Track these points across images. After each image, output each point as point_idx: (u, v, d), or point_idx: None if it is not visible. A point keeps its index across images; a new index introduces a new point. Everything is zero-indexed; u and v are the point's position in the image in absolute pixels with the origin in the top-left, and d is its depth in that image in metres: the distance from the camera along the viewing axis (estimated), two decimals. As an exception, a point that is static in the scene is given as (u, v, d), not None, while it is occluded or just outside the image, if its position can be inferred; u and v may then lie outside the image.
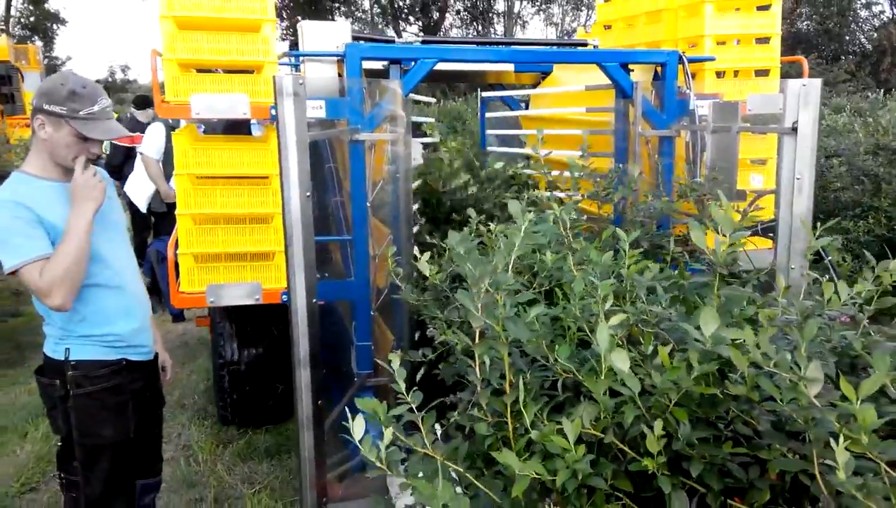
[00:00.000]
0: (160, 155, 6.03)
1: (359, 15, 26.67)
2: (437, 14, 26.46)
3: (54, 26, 36.64)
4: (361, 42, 3.62)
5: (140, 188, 6.38)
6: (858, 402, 1.14)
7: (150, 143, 6.00)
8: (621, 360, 1.34)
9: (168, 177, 6.02)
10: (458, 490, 1.49)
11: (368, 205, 3.41)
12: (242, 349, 4.57)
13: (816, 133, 3.04)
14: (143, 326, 2.74)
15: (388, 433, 1.46)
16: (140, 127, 6.74)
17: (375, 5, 27.29)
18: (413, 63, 3.41)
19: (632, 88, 3.55)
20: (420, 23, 27.11)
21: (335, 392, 3.61)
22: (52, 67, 30.31)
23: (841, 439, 1.13)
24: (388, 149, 3.54)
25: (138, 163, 6.25)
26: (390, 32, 25.35)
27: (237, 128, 4.53)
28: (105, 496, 2.67)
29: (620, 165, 3.63)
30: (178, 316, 6.55)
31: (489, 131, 5.38)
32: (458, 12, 28.73)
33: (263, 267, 3.61)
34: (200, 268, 3.52)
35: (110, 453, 2.66)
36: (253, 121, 4.66)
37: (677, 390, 1.33)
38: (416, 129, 4.32)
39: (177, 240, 3.56)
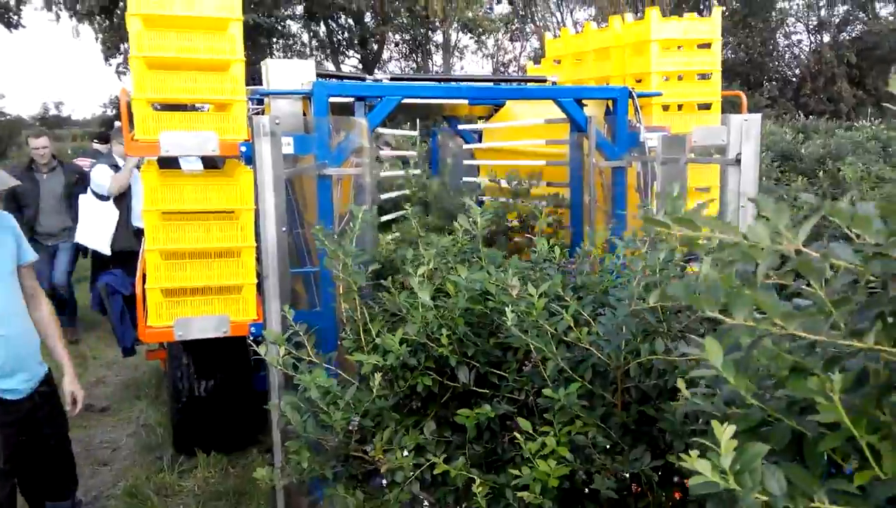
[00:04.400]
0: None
1: (297, 48, 26.68)
2: (376, 46, 26.70)
3: (-18, 65, 35.53)
4: (328, 80, 3.72)
5: (98, 231, 6.17)
6: (537, 297, 1.97)
7: (103, 180, 5.90)
8: (424, 293, 2.21)
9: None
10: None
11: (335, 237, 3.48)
12: (200, 380, 4.55)
13: (758, 164, 3.26)
14: (9, 371, 2.83)
15: (283, 349, 2.38)
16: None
17: (314, 39, 27.36)
18: (378, 100, 3.53)
19: (586, 122, 3.75)
20: (359, 56, 27.28)
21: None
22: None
23: (510, 307, 2.00)
24: (353, 183, 3.63)
25: (90, 208, 6.06)
26: (329, 66, 25.44)
27: (168, 163, 4.55)
28: None
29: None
30: (129, 351, 6.37)
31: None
32: (396, 44, 29.05)
33: (231, 301, 3.63)
34: (168, 303, 3.52)
35: None
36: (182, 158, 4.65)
37: (458, 307, 2.21)
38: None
39: (144, 275, 3.56)
